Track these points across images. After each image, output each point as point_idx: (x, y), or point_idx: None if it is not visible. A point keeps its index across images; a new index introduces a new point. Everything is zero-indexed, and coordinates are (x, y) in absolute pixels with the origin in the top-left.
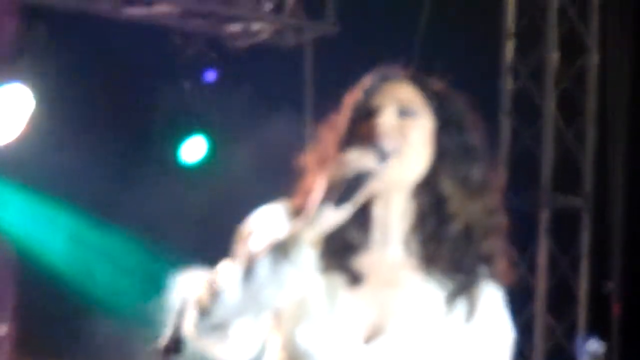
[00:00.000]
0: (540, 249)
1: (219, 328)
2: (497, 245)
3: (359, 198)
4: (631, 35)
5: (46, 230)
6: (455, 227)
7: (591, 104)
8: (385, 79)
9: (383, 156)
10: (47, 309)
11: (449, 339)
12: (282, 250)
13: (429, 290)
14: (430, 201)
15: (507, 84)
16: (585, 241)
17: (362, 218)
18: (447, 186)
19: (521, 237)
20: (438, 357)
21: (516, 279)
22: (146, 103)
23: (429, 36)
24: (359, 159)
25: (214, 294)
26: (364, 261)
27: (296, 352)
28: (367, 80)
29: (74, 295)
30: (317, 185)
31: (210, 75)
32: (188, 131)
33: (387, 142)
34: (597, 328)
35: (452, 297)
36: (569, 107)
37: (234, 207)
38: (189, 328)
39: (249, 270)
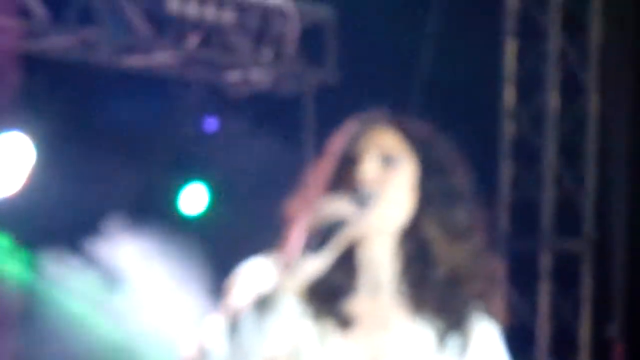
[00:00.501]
0: (541, 293)
1: None
2: (486, 286)
3: (338, 245)
4: (631, 78)
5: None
6: (440, 272)
7: (591, 146)
8: (368, 124)
9: (363, 203)
10: None
11: None
12: (265, 302)
13: (420, 331)
14: (415, 246)
15: (508, 129)
16: (587, 284)
17: (349, 263)
18: (431, 231)
19: (522, 281)
20: None
21: (517, 323)
22: (146, 152)
23: (429, 83)
24: (336, 206)
25: (203, 353)
26: (354, 305)
27: None
28: (350, 126)
29: None
30: (296, 233)
31: (211, 124)
32: (188, 180)
33: (369, 190)
34: None
35: (442, 336)
36: (569, 150)
37: (235, 257)
38: None
39: (234, 325)
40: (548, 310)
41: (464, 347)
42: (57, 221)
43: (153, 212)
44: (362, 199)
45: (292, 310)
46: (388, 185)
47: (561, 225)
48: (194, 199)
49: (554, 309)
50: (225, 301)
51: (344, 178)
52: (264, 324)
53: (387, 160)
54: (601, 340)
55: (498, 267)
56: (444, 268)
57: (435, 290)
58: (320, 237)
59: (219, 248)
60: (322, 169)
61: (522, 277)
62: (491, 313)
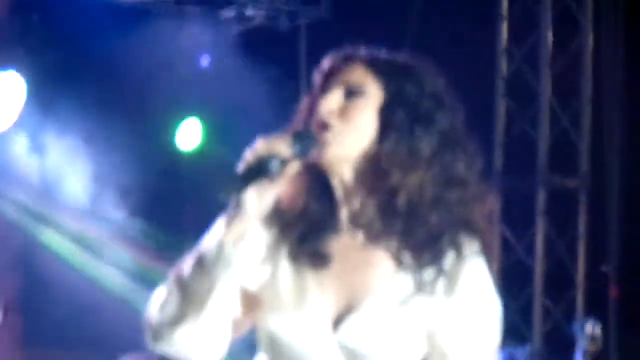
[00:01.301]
0: (537, 231)
1: (167, 333)
2: (467, 215)
3: (274, 185)
4: (625, 16)
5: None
6: (401, 200)
7: (587, 85)
8: (340, 60)
9: (317, 137)
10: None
11: (425, 315)
12: (207, 253)
13: (399, 269)
14: (375, 177)
15: (503, 67)
16: (582, 222)
17: (326, 201)
18: (390, 159)
19: (518, 220)
20: (412, 334)
21: (513, 260)
22: (142, 89)
23: (423, 21)
24: (267, 144)
25: (158, 303)
26: (333, 244)
27: (269, 339)
28: (325, 62)
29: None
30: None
31: (206, 61)
32: (183, 117)
33: (329, 124)
34: (595, 310)
35: (419, 272)
36: (565, 89)
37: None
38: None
39: (181, 276)
40: (543, 248)
41: (450, 287)
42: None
43: (150, 149)
44: (311, 137)
45: (238, 257)
46: (349, 120)
47: (556, 163)
48: (189, 135)
49: (549, 246)
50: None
51: (315, 113)
52: (213, 273)
53: (352, 94)
54: (597, 278)
55: (480, 195)
56: (404, 196)
57: (399, 219)
58: (252, 175)
59: (213, 183)
60: (302, 105)
61: (517, 215)
62: (481, 248)
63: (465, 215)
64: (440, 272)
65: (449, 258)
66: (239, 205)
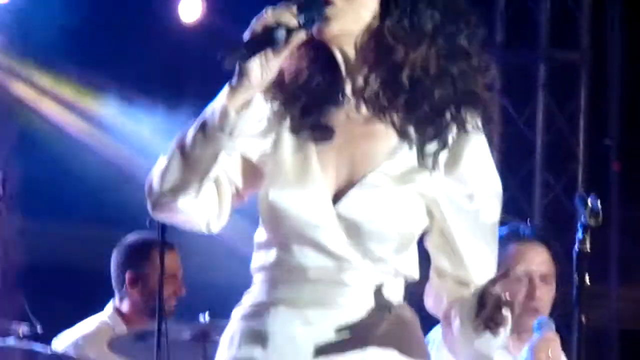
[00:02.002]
0: (538, 104)
1: (169, 202)
2: (470, 87)
3: (279, 54)
4: None
5: None
6: (404, 76)
7: None
8: None
9: (321, 9)
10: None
11: (426, 190)
12: (211, 120)
13: (402, 142)
14: (378, 52)
15: None
16: (583, 96)
17: (329, 74)
18: (393, 35)
19: (519, 93)
20: (412, 208)
21: (514, 133)
22: None
23: None
24: (274, 13)
25: (161, 171)
26: (335, 117)
27: (269, 212)
28: None
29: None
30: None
31: None
32: None
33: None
34: (596, 184)
35: (424, 145)
36: None
37: None
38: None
39: (184, 144)
40: (544, 121)
41: (452, 163)
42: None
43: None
44: (315, 9)
45: (240, 127)
46: None
47: (557, 37)
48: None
49: (549, 119)
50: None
51: None
52: (212, 140)
53: None
54: (598, 151)
55: (483, 66)
56: (409, 71)
57: (403, 93)
58: (258, 42)
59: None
60: None
61: (518, 88)
62: (479, 116)
63: (467, 86)
64: (444, 145)
65: (452, 132)
66: (243, 73)
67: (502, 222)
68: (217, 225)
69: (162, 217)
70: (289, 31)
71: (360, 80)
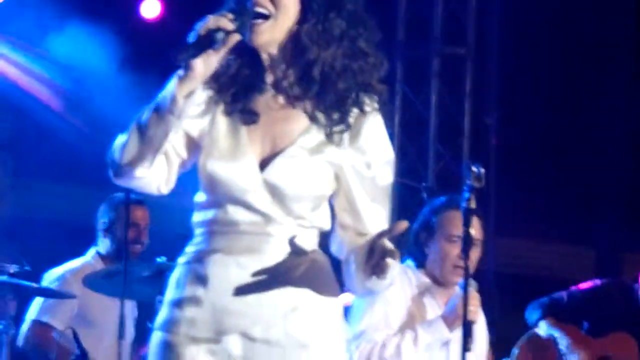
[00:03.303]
0: (432, 90)
1: (128, 171)
2: (367, 80)
3: (218, 52)
4: None
5: None
6: (316, 71)
7: None
8: None
9: (253, 18)
10: None
11: (333, 160)
12: (162, 104)
13: (312, 124)
14: (295, 51)
15: None
16: (468, 83)
17: (254, 68)
18: (309, 38)
19: (417, 81)
20: (322, 175)
21: (413, 115)
22: None
23: None
24: (214, 19)
25: (121, 146)
26: (259, 103)
27: (208, 179)
28: None
29: None
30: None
31: None
32: None
33: (261, 7)
34: (478, 154)
35: (329, 128)
36: None
37: None
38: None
39: (140, 124)
40: (437, 103)
41: (353, 138)
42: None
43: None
44: (248, 17)
45: (185, 110)
46: (278, 5)
47: (448, 35)
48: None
49: (441, 101)
50: None
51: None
52: (163, 121)
53: None
54: (480, 127)
55: (378, 63)
56: (319, 67)
57: (314, 85)
58: (201, 45)
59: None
60: None
61: (416, 78)
62: (378, 102)
63: (365, 79)
64: (347, 126)
65: (353, 114)
66: (189, 68)
67: (408, 188)
68: (166, 189)
69: (122, 183)
70: (227, 34)
71: (279, 74)
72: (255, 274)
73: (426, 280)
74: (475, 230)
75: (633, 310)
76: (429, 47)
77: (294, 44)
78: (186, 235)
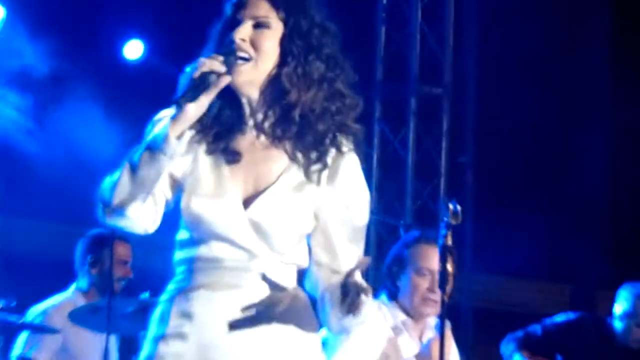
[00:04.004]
0: (409, 129)
1: (119, 211)
2: (344, 121)
3: (209, 94)
4: None
5: None
6: (296, 113)
7: (450, 8)
8: None
9: (235, 61)
10: None
11: (312, 199)
12: (154, 145)
13: (292, 163)
14: (276, 93)
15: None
16: (445, 122)
17: (236, 109)
18: (289, 81)
19: (394, 120)
20: (303, 213)
21: (390, 153)
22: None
23: None
24: (208, 63)
25: (112, 186)
26: (241, 143)
27: (192, 217)
28: None
29: None
30: (178, 86)
31: None
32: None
33: (242, 51)
34: (456, 193)
35: (307, 167)
36: (432, 13)
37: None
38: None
39: (132, 164)
40: (414, 142)
41: (331, 177)
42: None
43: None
44: (236, 59)
45: (177, 150)
46: (258, 48)
47: (425, 75)
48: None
49: (419, 140)
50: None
51: (227, 41)
52: (155, 162)
53: (260, 26)
54: (456, 166)
55: (354, 104)
56: (299, 110)
57: (294, 127)
58: (194, 88)
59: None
60: (215, 30)
61: (394, 117)
62: (354, 142)
63: (342, 120)
64: (324, 166)
65: (331, 154)
66: (183, 110)
67: (386, 226)
68: (152, 228)
69: (112, 222)
70: (218, 76)
71: (260, 116)
72: (240, 310)
73: (401, 314)
74: (449, 265)
75: (605, 343)
76: (407, 87)
77: (274, 86)
78: (166, 272)
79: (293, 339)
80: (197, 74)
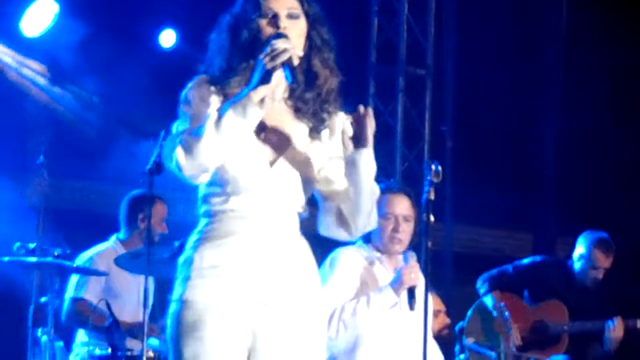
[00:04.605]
0: (398, 103)
1: (207, 166)
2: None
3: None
4: None
5: None
6: (322, 91)
7: (432, 5)
8: None
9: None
10: None
11: (319, 150)
12: (241, 108)
13: (302, 127)
14: (305, 74)
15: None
16: (428, 97)
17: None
18: (319, 67)
19: (386, 96)
20: (313, 166)
21: (381, 124)
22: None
23: None
24: (284, 42)
25: (197, 144)
26: (265, 114)
27: (228, 176)
28: None
29: None
30: (263, 59)
31: None
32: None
33: (285, 39)
34: (437, 156)
35: (314, 129)
36: (417, 13)
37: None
38: (181, 161)
39: (218, 121)
40: (403, 115)
41: (330, 135)
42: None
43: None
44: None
45: (256, 116)
46: (294, 32)
47: (411, 57)
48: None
49: (406, 112)
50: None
51: (267, 28)
52: (238, 124)
53: (291, 17)
54: (436, 133)
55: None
56: (318, 91)
57: (309, 104)
58: (281, 60)
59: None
60: (240, 19)
61: (386, 94)
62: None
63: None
64: (326, 127)
65: (329, 117)
66: (267, 79)
67: (379, 181)
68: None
69: (198, 179)
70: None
71: (289, 91)
72: (269, 252)
73: (375, 252)
74: (405, 209)
75: (565, 282)
76: (396, 68)
77: (307, 72)
78: (188, 225)
79: (311, 274)
80: (282, 49)
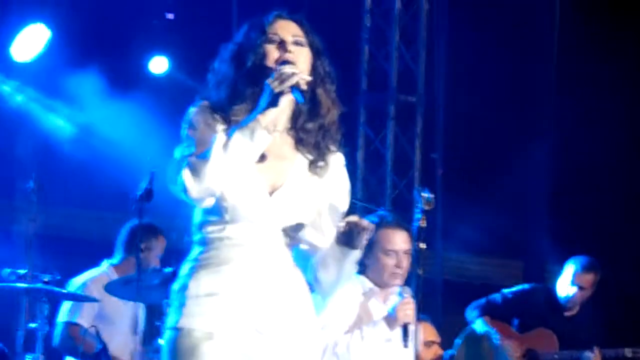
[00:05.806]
0: (389, 130)
1: (213, 190)
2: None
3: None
4: None
5: None
6: (317, 124)
7: (423, 33)
8: (280, 16)
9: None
10: None
11: (314, 187)
12: (249, 131)
13: (301, 160)
14: (308, 104)
15: (367, 22)
16: (419, 125)
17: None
18: (322, 97)
19: (377, 124)
20: (308, 200)
21: (372, 151)
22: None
23: None
24: (291, 67)
25: (203, 168)
26: (273, 143)
27: (227, 204)
28: (274, 17)
29: None
30: (271, 83)
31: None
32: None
33: (292, 65)
34: (428, 183)
35: (313, 163)
36: (408, 36)
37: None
38: (189, 183)
39: (226, 144)
40: (393, 141)
41: (325, 170)
42: None
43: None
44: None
45: (264, 141)
46: (301, 58)
47: (402, 85)
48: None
49: (396, 140)
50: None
51: (272, 53)
52: (246, 147)
53: (297, 43)
54: (427, 160)
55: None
56: (321, 121)
57: (311, 134)
58: (288, 85)
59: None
60: (246, 42)
61: (376, 121)
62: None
63: (338, 130)
64: (325, 163)
65: (328, 153)
66: (275, 102)
67: (370, 211)
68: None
69: (203, 203)
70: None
71: (300, 123)
72: (265, 281)
73: (369, 283)
74: (405, 243)
75: (553, 309)
76: (387, 96)
77: (311, 102)
78: (181, 251)
79: (306, 302)
80: (288, 74)
